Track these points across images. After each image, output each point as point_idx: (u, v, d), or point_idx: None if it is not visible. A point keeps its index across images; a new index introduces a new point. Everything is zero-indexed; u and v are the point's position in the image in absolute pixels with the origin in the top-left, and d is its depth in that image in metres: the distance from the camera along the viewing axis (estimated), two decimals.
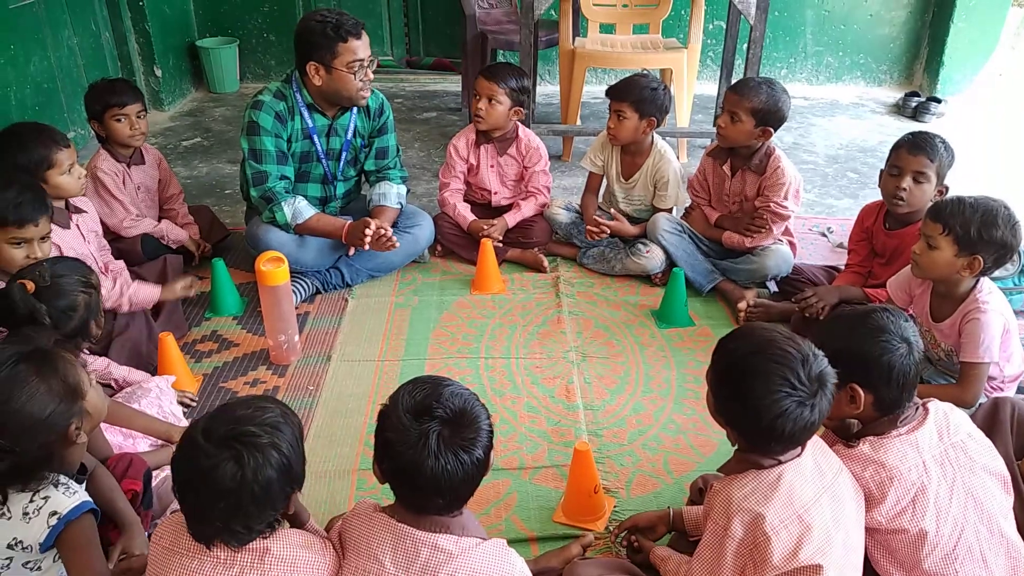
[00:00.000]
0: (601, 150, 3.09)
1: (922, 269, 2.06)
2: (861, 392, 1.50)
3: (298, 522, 1.47)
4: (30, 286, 1.75)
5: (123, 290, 2.43)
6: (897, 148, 2.39)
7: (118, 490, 1.68)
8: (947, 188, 2.38)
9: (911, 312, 2.21)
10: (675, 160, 3.02)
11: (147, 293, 2.50)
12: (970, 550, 1.50)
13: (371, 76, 2.72)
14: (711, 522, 1.42)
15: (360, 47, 2.65)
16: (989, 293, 2.03)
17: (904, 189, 2.35)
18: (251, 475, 1.21)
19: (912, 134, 2.38)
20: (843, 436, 1.59)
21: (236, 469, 1.21)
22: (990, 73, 5.01)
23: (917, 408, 1.57)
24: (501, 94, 2.96)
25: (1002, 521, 1.55)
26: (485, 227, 3.04)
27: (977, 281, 2.04)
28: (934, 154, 2.31)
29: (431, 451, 1.23)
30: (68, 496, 1.43)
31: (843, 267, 2.74)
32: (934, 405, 1.59)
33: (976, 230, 1.93)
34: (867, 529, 1.50)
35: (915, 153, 2.33)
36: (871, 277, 2.64)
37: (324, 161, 2.87)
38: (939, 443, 1.53)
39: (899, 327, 1.53)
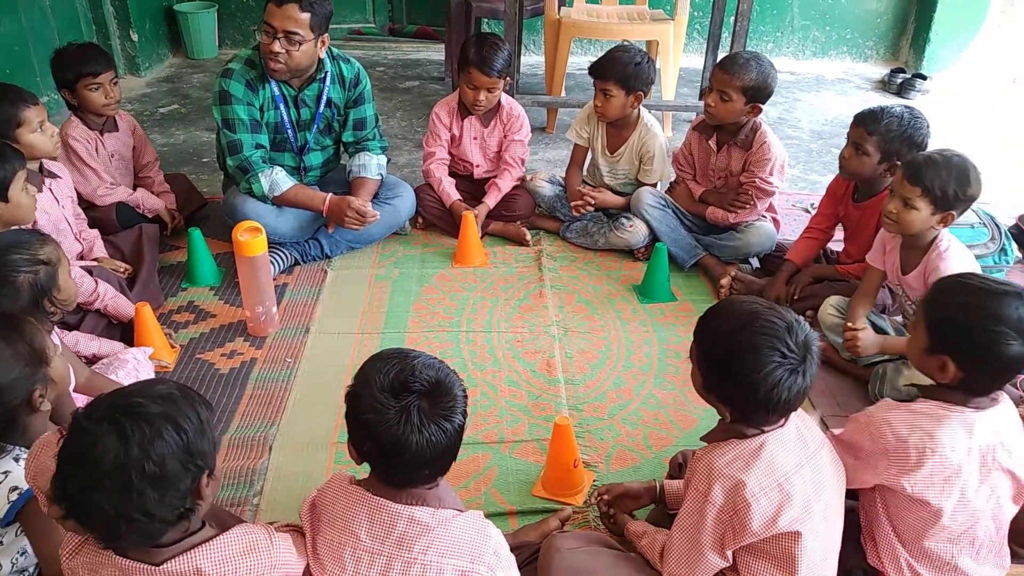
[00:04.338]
0: (587, 122, 3.05)
1: (900, 227, 2.12)
2: (952, 367, 1.45)
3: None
4: None
5: (103, 296, 2.32)
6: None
7: None
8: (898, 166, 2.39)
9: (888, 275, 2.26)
10: (661, 134, 2.99)
11: (123, 303, 2.37)
12: (972, 543, 1.51)
13: (278, 50, 2.54)
14: (692, 489, 1.42)
15: (275, 13, 2.51)
16: (947, 241, 2.12)
17: (845, 157, 2.47)
18: (138, 449, 1.05)
19: (872, 108, 2.43)
20: (923, 390, 1.54)
21: (119, 442, 1.05)
22: (976, 51, 5.01)
23: (994, 397, 1.51)
24: (499, 83, 2.91)
25: (1005, 525, 1.55)
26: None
27: (938, 232, 2.12)
28: (874, 127, 2.36)
29: (414, 426, 1.21)
30: None
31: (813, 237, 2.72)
32: (1008, 402, 1.53)
33: (953, 190, 2.02)
34: (885, 489, 1.49)
35: (857, 124, 2.43)
36: (842, 254, 2.70)
37: (290, 131, 2.80)
38: (993, 436, 1.47)
39: (1019, 319, 1.40)
